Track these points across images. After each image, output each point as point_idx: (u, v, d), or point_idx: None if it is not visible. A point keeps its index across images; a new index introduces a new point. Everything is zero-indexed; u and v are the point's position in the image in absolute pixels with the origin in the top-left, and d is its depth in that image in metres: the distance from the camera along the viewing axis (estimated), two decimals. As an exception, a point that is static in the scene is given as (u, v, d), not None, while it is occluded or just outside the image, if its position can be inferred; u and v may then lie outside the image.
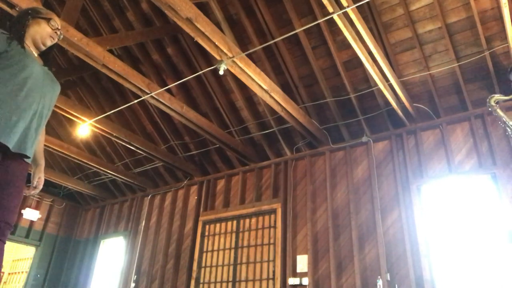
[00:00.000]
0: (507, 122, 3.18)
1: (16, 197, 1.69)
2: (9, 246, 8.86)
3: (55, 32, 1.99)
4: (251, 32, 5.12)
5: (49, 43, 1.99)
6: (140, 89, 4.68)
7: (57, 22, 2.01)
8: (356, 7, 3.54)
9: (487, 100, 3.23)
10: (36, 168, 1.97)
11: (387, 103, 5.05)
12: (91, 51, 4.06)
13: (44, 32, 1.95)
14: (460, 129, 4.76)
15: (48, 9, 3.77)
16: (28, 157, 1.78)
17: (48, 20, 1.96)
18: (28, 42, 1.92)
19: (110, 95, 6.79)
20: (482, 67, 4.48)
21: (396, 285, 4.36)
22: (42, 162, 2.01)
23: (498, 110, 3.18)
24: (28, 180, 1.94)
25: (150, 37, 5.39)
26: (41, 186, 1.96)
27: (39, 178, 1.95)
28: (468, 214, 4.29)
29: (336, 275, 4.79)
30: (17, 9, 3.51)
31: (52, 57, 2.11)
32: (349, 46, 4.72)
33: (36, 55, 1.96)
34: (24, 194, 1.83)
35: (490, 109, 3.23)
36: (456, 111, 4.83)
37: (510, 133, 3.19)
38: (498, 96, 3.23)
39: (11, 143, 1.64)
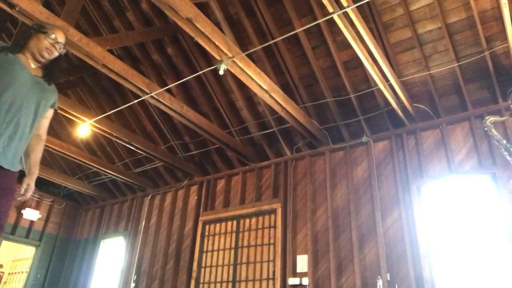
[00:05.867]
0: (500, 141, 3.28)
1: (2, 206, 1.74)
2: (9, 246, 8.86)
3: (53, 46, 2.05)
4: (251, 32, 5.12)
5: (46, 55, 2.04)
6: (140, 89, 4.68)
7: (58, 35, 2.06)
8: (356, 7, 3.54)
9: (483, 121, 3.37)
10: (27, 176, 2.00)
11: (387, 103, 5.05)
12: (91, 51, 4.06)
13: (42, 45, 2.02)
14: (460, 129, 4.76)
15: (48, 9, 3.78)
16: (8, 169, 1.81)
17: (46, 33, 2.03)
18: (27, 55, 2.01)
19: (110, 95, 6.79)
20: (482, 67, 4.48)
21: (396, 285, 4.36)
22: (34, 171, 2.03)
23: (493, 130, 3.30)
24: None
25: (150, 37, 5.39)
26: (29, 194, 1.99)
27: (28, 185, 1.97)
28: (468, 214, 4.29)
29: (336, 275, 4.79)
30: (17, 9, 3.51)
31: (56, 70, 2.16)
32: (349, 46, 4.71)
33: (33, 66, 2.03)
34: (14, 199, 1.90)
35: (486, 129, 3.36)
36: (456, 111, 4.83)
37: (503, 151, 3.29)
38: (493, 118, 3.36)
39: None
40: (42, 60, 2.05)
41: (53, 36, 2.04)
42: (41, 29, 2.04)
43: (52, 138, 6.15)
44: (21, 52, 1.99)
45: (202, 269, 6.05)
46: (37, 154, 2.07)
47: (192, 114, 5.21)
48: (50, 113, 2.15)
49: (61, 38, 2.09)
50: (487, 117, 3.38)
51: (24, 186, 1.97)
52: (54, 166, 8.18)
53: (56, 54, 2.08)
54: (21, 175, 1.94)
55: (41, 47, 2.02)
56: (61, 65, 2.17)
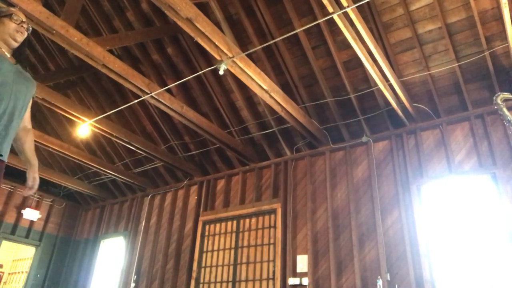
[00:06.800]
0: (511, 121, 3.15)
1: None
2: (9, 246, 8.86)
3: (21, 26, 2.00)
4: (251, 32, 5.12)
5: (19, 37, 1.99)
6: (140, 89, 4.68)
7: (19, 16, 2.01)
8: (356, 7, 3.54)
9: (494, 97, 3.20)
10: (30, 169, 1.99)
11: (387, 103, 5.05)
12: (91, 51, 4.06)
13: (11, 29, 1.95)
14: (460, 129, 4.76)
15: (48, 9, 3.78)
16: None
17: (10, 16, 1.97)
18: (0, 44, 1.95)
19: (110, 95, 6.79)
20: (482, 67, 4.48)
21: (396, 285, 4.36)
22: (34, 162, 2.02)
23: (504, 109, 3.15)
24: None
25: (150, 37, 5.39)
26: (36, 186, 1.99)
27: (34, 178, 1.98)
28: (468, 214, 4.29)
29: (336, 275, 4.79)
30: (17, 9, 3.51)
31: (25, 53, 2.12)
32: (349, 46, 4.72)
33: (8, 55, 1.98)
34: (22, 195, 1.89)
35: (496, 107, 3.19)
36: (456, 111, 4.83)
37: None
38: (505, 95, 3.20)
39: None
40: (16, 44, 1.99)
41: (16, 17, 1.99)
42: (0, 14, 1.98)
43: (52, 138, 6.15)
44: None
45: (202, 269, 6.05)
46: (31, 145, 2.07)
47: (192, 114, 5.21)
48: (30, 102, 2.13)
49: (23, 17, 2.04)
50: (497, 94, 3.23)
51: (31, 179, 1.96)
52: (54, 166, 8.18)
53: (25, 34, 2.03)
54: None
55: (11, 31, 1.96)
56: (26, 46, 2.13)
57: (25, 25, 2.02)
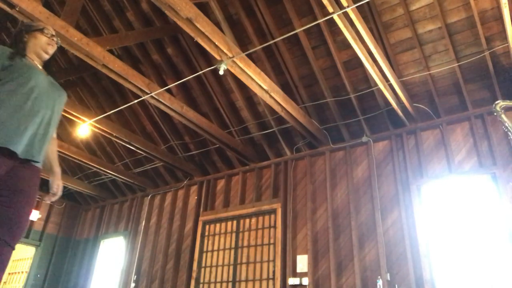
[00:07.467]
0: (510, 128, 3.18)
1: (27, 204, 1.78)
2: (9, 246, 8.84)
3: (52, 39, 2.09)
4: (251, 32, 5.12)
5: (50, 50, 2.08)
6: (140, 89, 4.68)
7: (50, 29, 2.11)
8: (356, 7, 3.54)
9: (493, 105, 3.23)
10: (53, 176, 2.06)
11: (387, 103, 5.05)
12: (91, 51, 4.06)
13: (43, 42, 2.05)
14: (460, 129, 4.76)
15: (48, 9, 3.78)
16: (37, 161, 1.86)
17: (41, 30, 2.06)
18: (32, 56, 2.03)
19: (110, 95, 6.79)
20: (482, 67, 4.48)
21: (396, 285, 4.36)
22: (57, 170, 2.10)
23: (503, 116, 3.18)
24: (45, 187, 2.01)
25: (150, 37, 5.39)
26: (60, 193, 2.06)
27: (58, 185, 2.05)
28: (468, 214, 4.29)
29: (336, 275, 4.79)
30: (17, 9, 3.51)
31: (52, 64, 2.20)
32: (349, 46, 4.72)
33: (40, 67, 2.06)
34: (44, 201, 1.97)
35: (495, 114, 3.22)
36: (456, 111, 4.83)
37: None
38: (504, 102, 3.23)
39: (19, 149, 1.75)
40: (47, 56, 2.08)
41: (47, 31, 2.08)
42: (32, 28, 2.07)
43: (52, 138, 6.15)
44: (27, 55, 2.01)
45: (202, 269, 6.05)
46: (55, 153, 2.14)
47: (192, 114, 5.21)
48: None
49: (53, 31, 2.13)
50: (497, 102, 3.26)
51: (55, 186, 2.03)
52: (54, 166, 8.16)
53: (55, 47, 2.12)
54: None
55: (43, 44, 2.04)
56: (55, 57, 2.21)
57: (55, 38, 2.11)
